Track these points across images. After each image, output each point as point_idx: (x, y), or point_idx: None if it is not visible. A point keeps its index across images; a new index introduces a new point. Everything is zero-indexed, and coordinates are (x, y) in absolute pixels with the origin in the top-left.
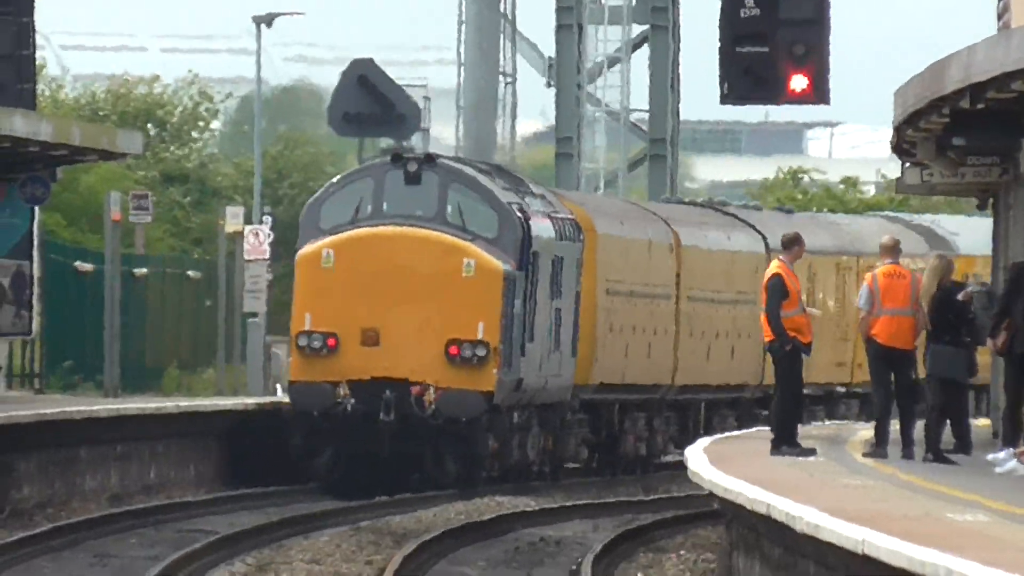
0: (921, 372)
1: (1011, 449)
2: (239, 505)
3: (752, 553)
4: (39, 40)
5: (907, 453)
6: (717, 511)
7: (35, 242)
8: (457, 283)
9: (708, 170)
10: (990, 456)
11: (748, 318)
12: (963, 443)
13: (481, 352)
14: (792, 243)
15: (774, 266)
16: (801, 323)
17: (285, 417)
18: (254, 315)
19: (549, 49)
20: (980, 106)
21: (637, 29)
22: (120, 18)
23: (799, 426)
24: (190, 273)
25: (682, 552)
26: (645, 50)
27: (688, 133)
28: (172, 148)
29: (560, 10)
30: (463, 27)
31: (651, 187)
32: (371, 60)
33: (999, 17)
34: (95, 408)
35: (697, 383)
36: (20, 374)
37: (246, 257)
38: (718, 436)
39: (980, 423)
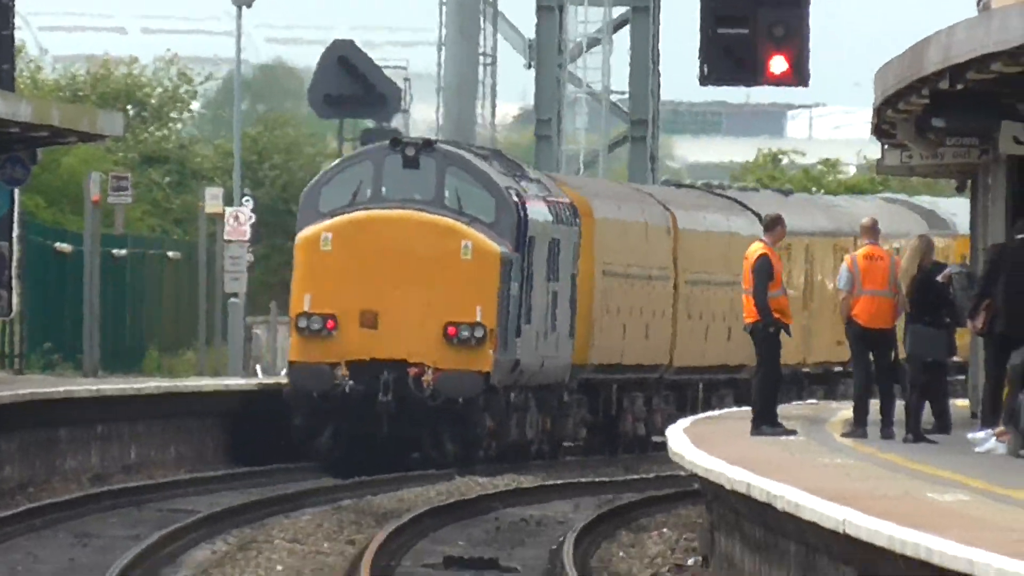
0: (901, 352)
1: (991, 429)
2: (223, 485)
3: (733, 533)
4: (18, 21)
5: (887, 433)
6: (698, 491)
7: (15, 223)
8: (455, 266)
9: (689, 151)
10: (970, 435)
11: None
12: (943, 423)
13: (478, 333)
14: (774, 224)
15: (759, 247)
16: (784, 304)
17: (285, 398)
18: (235, 296)
19: (530, 31)
20: (960, 87)
21: (618, 10)
22: None
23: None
24: (170, 254)
25: (664, 531)
26: (626, 31)
27: (668, 114)
28: (152, 129)
29: None
30: (444, 8)
31: (631, 168)
32: (351, 41)
33: (978, 2)
34: (75, 388)
35: (695, 364)
36: (0, 355)
37: (226, 238)
38: (698, 416)
39: (959, 403)
